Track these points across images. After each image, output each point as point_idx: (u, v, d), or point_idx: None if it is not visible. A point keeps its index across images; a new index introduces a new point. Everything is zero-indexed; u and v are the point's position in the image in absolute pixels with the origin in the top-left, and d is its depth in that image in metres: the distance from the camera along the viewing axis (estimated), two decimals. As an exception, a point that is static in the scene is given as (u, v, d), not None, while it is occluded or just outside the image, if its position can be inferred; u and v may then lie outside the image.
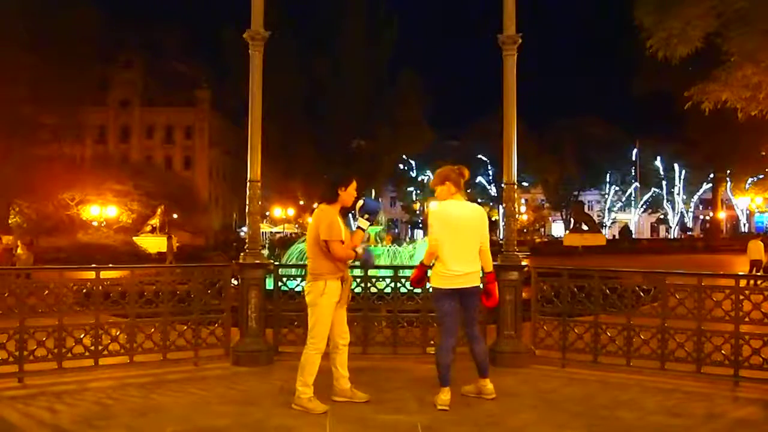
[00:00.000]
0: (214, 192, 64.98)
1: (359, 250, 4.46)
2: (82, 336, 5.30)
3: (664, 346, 5.32)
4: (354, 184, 4.51)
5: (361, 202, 4.49)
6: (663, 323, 5.35)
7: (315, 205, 4.62)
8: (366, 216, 4.47)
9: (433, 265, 4.52)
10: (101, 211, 38.80)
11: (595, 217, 52.68)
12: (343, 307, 4.50)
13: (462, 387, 4.76)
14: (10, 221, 35.96)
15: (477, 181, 56.52)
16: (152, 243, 34.18)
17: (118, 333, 5.49)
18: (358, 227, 4.47)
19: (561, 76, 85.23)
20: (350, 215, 4.61)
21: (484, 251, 4.52)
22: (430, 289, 4.58)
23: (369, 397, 4.54)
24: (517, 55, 5.94)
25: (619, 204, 62.58)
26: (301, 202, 51.86)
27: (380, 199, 53.69)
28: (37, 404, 4.49)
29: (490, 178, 57.27)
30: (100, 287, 5.51)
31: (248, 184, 5.92)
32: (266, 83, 6.00)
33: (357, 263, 4.84)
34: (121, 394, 4.77)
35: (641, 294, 5.70)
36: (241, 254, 5.92)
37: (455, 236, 4.44)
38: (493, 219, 51.08)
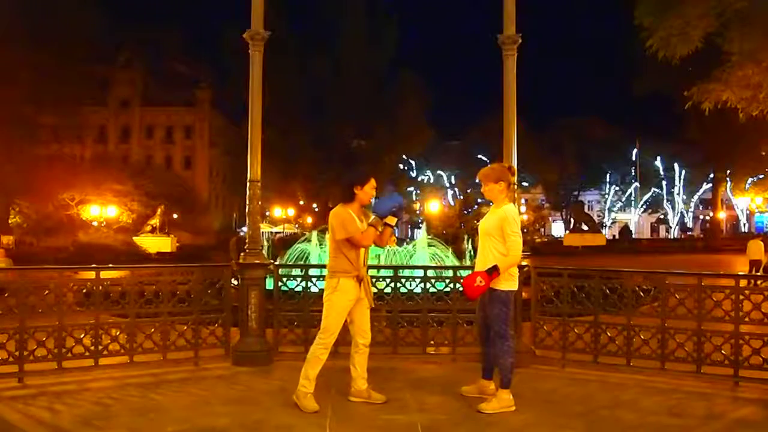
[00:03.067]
0: (214, 192, 65.06)
1: (380, 228, 4.43)
2: (82, 336, 5.29)
3: (664, 346, 5.31)
4: (372, 183, 4.49)
5: (373, 202, 4.53)
6: (663, 323, 5.35)
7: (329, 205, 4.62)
8: (393, 211, 4.45)
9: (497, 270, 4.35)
10: (101, 211, 38.85)
11: (595, 217, 52.73)
12: (366, 307, 4.49)
13: (462, 387, 4.76)
14: (10, 221, 35.99)
15: (477, 181, 56.42)
16: (152, 243, 34.20)
17: (118, 333, 5.48)
18: (385, 224, 4.44)
19: (561, 76, 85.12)
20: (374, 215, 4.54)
21: None
22: (496, 292, 4.37)
23: (386, 398, 4.53)
24: (517, 55, 5.94)
25: (619, 204, 62.62)
26: (301, 202, 51.89)
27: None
28: (37, 404, 4.48)
29: (491, 178, 57.18)
30: (100, 287, 5.50)
31: (248, 184, 5.91)
32: (266, 83, 6.00)
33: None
34: (121, 394, 4.77)
35: (641, 294, 5.70)
36: (241, 254, 5.92)
37: None
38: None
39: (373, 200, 4.55)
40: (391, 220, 4.45)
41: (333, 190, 37.85)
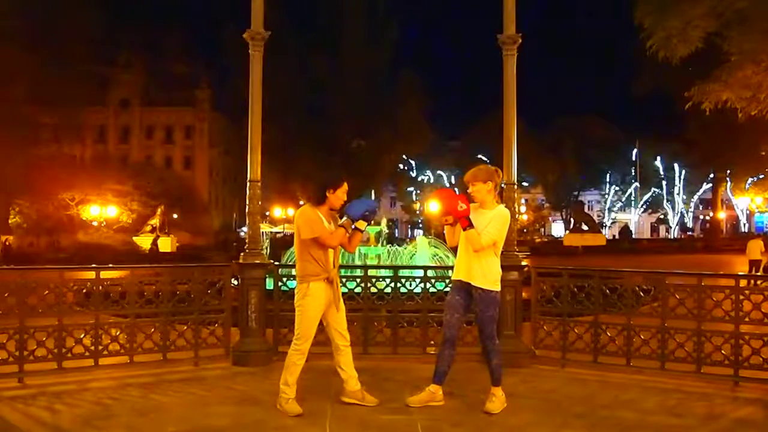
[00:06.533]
0: (214, 192, 65.06)
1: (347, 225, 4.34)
2: (82, 336, 5.29)
3: (664, 346, 5.31)
4: (344, 187, 4.38)
5: (346, 205, 4.41)
6: (663, 323, 5.35)
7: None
8: (365, 215, 4.37)
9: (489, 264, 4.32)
10: (101, 211, 38.88)
11: (595, 217, 52.72)
12: (340, 309, 4.42)
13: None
14: (10, 221, 36.02)
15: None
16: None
17: (118, 333, 5.48)
18: (355, 228, 4.38)
19: (561, 75, 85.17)
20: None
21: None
22: (492, 293, 4.33)
23: (379, 401, 4.47)
24: (517, 55, 5.95)
25: (619, 204, 62.63)
26: (301, 202, 51.79)
27: (378, 199, 53.64)
28: (37, 404, 4.49)
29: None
30: (100, 287, 5.50)
31: (248, 184, 5.92)
32: (266, 83, 6.00)
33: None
34: (121, 394, 4.77)
35: (641, 294, 5.70)
36: (241, 254, 5.93)
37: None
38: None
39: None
40: (361, 225, 4.36)
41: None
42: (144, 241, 34.13)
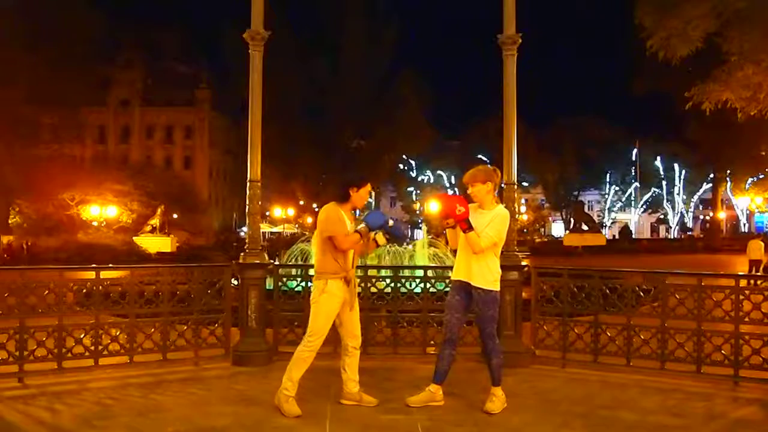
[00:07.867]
0: (214, 192, 65.10)
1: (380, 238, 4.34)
2: (82, 336, 5.29)
3: (664, 346, 5.31)
4: (368, 187, 4.42)
5: (367, 212, 4.44)
6: (663, 323, 5.35)
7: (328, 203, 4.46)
8: (386, 229, 4.34)
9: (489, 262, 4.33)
10: (101, 211, 38.87)
11: (595, 217, 52.73)
12: (354, 310, 4.42)
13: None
14: (10, 221, 36.02)
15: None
16: (152, 243, 34.21)
17: (118, 333, 5.48)
18: (374, 240, 4.35)
19: (561, 75, 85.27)
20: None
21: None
22: (492, 293, 4.32)
23: (377, 401, 4.47)
24: (517, 55, 5.94)
25: (619, 204, 62.65)
26: (301, 202, 51.91)
27: (378, 199, 53.62)
28: (37, 404, 4.48)
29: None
30: (100, 287, 5.50)
31: (248, 184, 5.91)
32: (266, 83, 6.00)
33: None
34: (121, 394, 4.77)
35: (641, 294, 5.70)
36: (241, 254, 5.93)
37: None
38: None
39: (371, 206, 4.49)
40: (381, 240, 4.36)
41: (328, 189, 37.92)
42: (145, 241, 34.11)
